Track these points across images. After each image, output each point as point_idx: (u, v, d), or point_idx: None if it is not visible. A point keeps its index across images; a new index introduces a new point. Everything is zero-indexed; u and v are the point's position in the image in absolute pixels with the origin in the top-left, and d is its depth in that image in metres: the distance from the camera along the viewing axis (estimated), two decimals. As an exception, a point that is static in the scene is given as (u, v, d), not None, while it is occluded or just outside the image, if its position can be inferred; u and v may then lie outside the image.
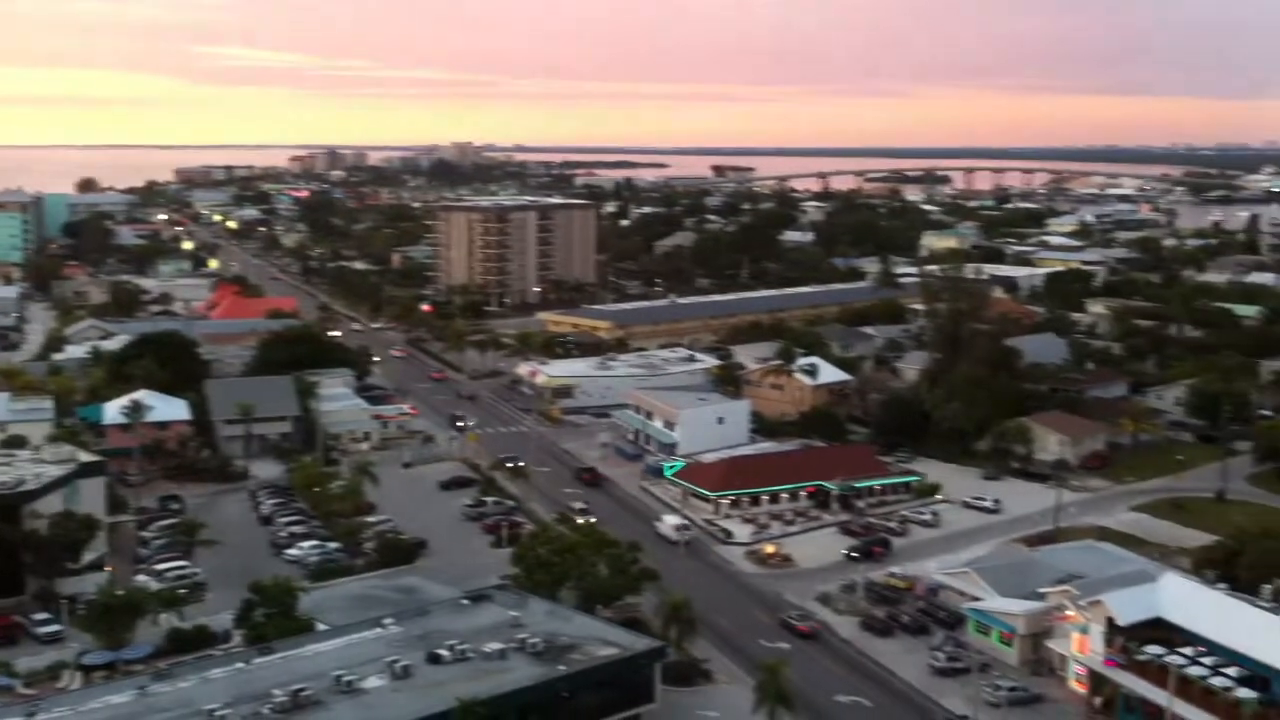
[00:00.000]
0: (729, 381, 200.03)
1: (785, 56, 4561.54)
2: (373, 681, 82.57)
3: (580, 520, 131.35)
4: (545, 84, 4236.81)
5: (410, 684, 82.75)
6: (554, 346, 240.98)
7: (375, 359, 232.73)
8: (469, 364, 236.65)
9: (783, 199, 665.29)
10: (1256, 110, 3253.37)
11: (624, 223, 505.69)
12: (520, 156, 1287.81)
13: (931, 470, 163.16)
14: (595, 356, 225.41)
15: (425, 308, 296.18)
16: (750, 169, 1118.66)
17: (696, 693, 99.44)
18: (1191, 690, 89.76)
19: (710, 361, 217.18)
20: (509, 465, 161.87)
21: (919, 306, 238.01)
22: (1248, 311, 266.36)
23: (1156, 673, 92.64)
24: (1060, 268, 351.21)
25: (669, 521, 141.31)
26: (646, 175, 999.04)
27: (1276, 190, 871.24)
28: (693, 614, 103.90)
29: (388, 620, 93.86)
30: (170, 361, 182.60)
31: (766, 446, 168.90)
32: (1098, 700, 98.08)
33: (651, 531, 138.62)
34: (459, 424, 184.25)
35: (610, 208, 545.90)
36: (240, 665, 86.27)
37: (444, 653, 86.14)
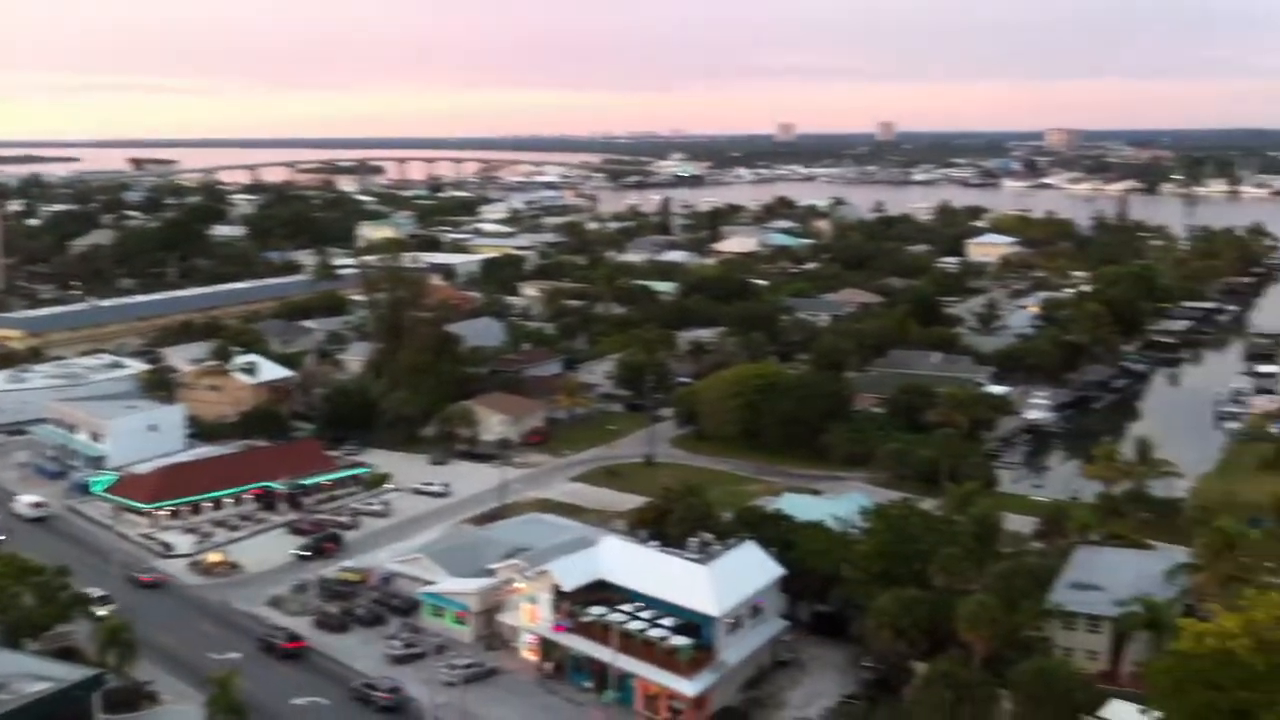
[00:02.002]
0: (161, 386, 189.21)
1: (212, 48, 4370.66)
2: None
3: None
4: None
5: None
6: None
7: None
8: None
9: (211, 192, 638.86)
10: (666, 102, 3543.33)
11: (32, 222, 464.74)
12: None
13: (381, 460, 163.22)
14: (6, 369, 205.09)
15: None
16: (173, 162, 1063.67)
17: (141, 717, 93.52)
18: (633, 644, 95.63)
19: (139, 366, 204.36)
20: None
21: (359, 297, 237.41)
22: (664, 287, 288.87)
23: (600, 632, 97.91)
24: (495, 253, 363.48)
25: (24, 500, 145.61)
26: (56, 170, 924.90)
27: (683, 175, 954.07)
28: (133, 636, 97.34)
29: None
30: None
31: (206, 451, 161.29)
32: (548, 665, 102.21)
33: (8, 513, 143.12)
34: None
35: (16, 206, 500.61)
36: None
37: None
